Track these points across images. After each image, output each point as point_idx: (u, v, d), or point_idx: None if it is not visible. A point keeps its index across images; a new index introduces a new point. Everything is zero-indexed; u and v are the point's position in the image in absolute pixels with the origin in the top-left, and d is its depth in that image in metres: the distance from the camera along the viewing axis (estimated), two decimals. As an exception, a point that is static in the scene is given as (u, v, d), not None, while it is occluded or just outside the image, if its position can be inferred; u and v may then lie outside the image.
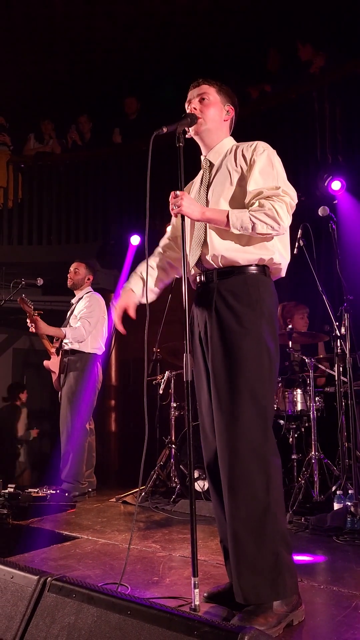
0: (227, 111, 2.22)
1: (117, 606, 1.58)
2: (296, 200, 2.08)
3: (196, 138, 2.21)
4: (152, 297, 2.30)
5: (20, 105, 7.38)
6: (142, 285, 2.25)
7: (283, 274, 2.17)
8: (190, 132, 2.17)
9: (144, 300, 2.23)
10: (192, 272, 2.19)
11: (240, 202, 2.05)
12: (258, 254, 2.04)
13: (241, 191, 2.07)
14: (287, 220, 2.00)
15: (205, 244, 2.10)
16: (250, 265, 2.05)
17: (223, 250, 2.05)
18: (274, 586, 1.83)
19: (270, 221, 1.95)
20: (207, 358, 2.07)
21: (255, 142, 2.12)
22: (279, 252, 2.09)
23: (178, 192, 2.02)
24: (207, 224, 2.09)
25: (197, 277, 2.17)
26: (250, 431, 1.90)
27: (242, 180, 2.07)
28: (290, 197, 2.02)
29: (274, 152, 2.12)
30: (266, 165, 2.04)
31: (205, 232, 2.10)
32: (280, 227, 1.98)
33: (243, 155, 2.10)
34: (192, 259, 2.13)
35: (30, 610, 1.72)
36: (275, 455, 1.94)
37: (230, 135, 2.27)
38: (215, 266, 2.08)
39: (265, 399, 1.94)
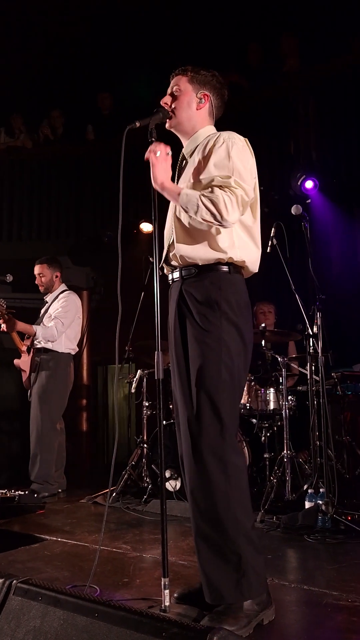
0: (201, 98, 2.14)
1: (84, 608, 1.55)
2: (251, 195, 1.99)
3: (173, 131, 2.18)
4: None
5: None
6: None
7: (254, 269, 2.12)
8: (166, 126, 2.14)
9: None
10: (165, 270, 2.17)
11: None
12: (216, 254, 1.99)
13: (200, 185, 1.99)
14: (233, 213, 1.89)
15: (171, 241, 2.08)
16: (212, 264, 1.99)
17: (183, 248, 2.02)
18: (238, 587, 1.81)
19: (214, 209, 1.87)
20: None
21: (220, 133, 2.05)
22: (241, 250, 2.02)
23: (169, 152, 2.00)
24: (175, 221, 2.06)
25: (168, 276, 2.15)
26: (208, 432, 1.88)
27: (201, 174, 2.00)
28: (243, 190, 1.93)
29: (238, 143, 2.00)
30: (222, 158, 1.96)
31: (173, 229, 2.08)
32: (223, 220, 1.88)
33: (207, 147, 2.03)
34: (161, 256, 2.10)
35: (-5, 614, 1.67)
36: (234, 455, 1.90)
37: (214, 121, 2.20)
38: (178, 265, 2.06)
39: (222, 399, 1.90)
